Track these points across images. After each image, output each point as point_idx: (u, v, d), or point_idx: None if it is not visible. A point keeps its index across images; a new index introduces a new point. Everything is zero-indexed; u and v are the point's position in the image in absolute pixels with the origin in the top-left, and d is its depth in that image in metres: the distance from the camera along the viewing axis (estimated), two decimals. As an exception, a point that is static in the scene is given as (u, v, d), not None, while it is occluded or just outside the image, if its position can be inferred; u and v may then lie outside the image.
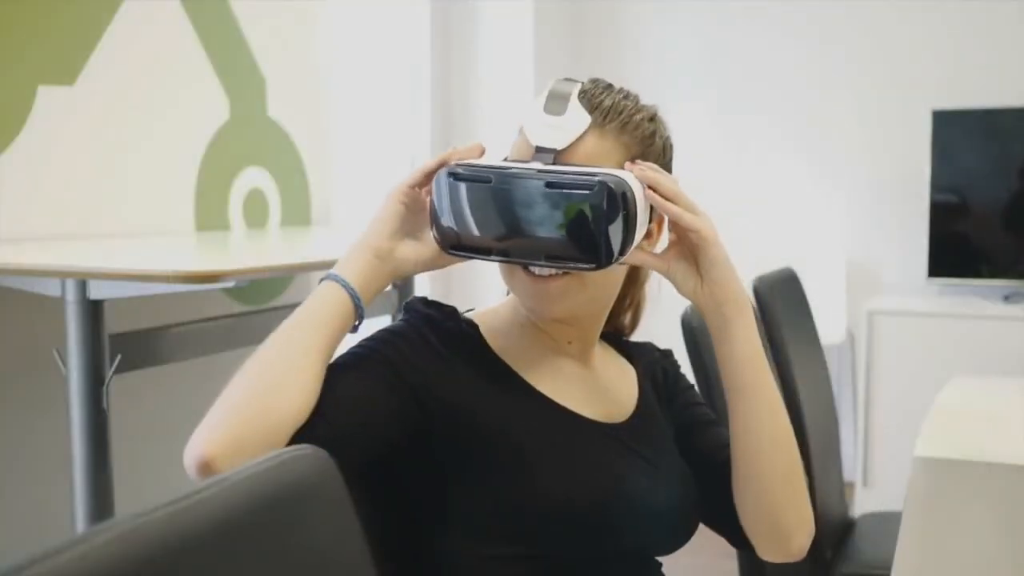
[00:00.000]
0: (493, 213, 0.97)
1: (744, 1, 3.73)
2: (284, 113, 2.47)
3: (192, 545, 0.57)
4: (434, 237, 1.01)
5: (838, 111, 3.67)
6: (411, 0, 3.43)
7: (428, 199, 1.02)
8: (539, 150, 0.99)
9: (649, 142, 1.05)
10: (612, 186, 0.93)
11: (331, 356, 0.96)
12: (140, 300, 1.52)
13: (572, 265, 0.98)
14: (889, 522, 1.85)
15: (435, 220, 1.01)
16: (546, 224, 0.96)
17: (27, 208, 1.82)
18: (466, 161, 1.00)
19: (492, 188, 0.97)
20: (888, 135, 3.61)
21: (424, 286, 3.16)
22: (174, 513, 0.57)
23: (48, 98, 1.84)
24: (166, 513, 0.56)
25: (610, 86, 1.07)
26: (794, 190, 3.73)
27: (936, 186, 3.39)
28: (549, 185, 0.94)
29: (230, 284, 1.54)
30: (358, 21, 3.07)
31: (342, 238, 2.35)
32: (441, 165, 1.01)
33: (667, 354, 1.25)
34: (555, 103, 1.01)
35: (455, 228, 0.99)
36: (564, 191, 0.94)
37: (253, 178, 2.39)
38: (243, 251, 2.00)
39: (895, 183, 3.60)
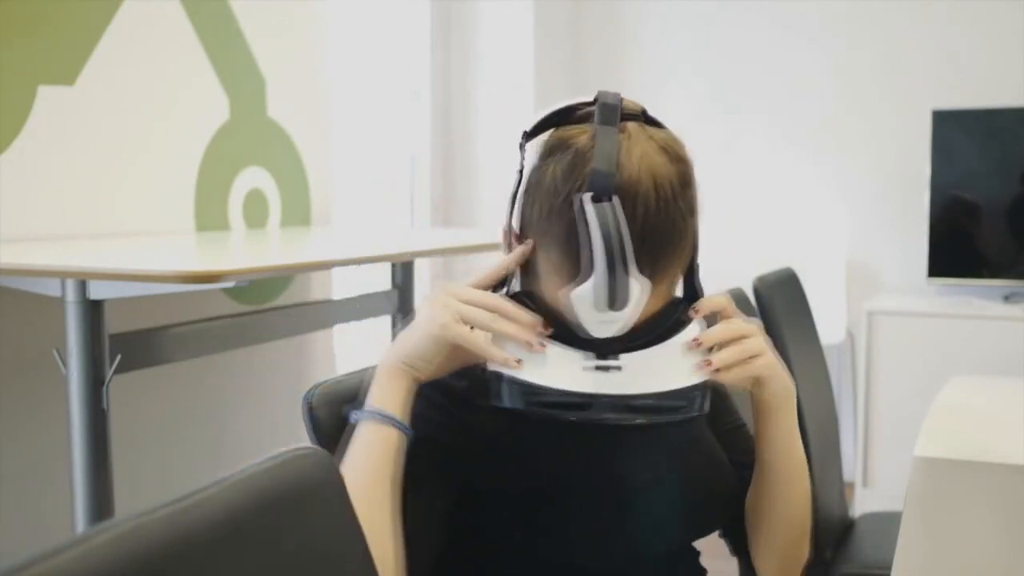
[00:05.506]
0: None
1: (744, 1, 3.73)
2: (284, 113, 2.47)
3: (192, 545, 0.57)
4: (497, 400, 0.93)
5: (838, 111, 3.67)
6: (411, 0, 3.43)
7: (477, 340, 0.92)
8: (596, 340, 0.91)
9: (684, 232, 0.95)
10: (706, 396, 0.92)
11: (399, 490, 0.94)
12: (140, 300, 1.52)
13: (665, 419, 0.92)
14: (889, 522, 1.85)
15: (498, 394, 0.92)
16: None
17: (27, 208, 1.82)
18: (537, 383, 0.90)
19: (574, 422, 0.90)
20: (888, 135, 3.61)
21: (424, 280, 3.16)
22: (174, 513, 0.57)
23: (48, 98, 1.84)
24: (166, 513, 0.57)
25: (646, 193, 0.92)
26: (794, 190, 3.73)
27: (936, 186, 3.38)
28: (648, 426, 0.91)
29: (230, 284, 1.54)
30: (358, 21, 3.07)
31: (342, 238, 2.35)
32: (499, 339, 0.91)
33: None
34: (616, 295, 0.88)
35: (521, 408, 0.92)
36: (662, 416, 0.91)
37: (253, 178, 2.39)
38: (243, 251, 2.00)
39: (895, 183, 3.60)
